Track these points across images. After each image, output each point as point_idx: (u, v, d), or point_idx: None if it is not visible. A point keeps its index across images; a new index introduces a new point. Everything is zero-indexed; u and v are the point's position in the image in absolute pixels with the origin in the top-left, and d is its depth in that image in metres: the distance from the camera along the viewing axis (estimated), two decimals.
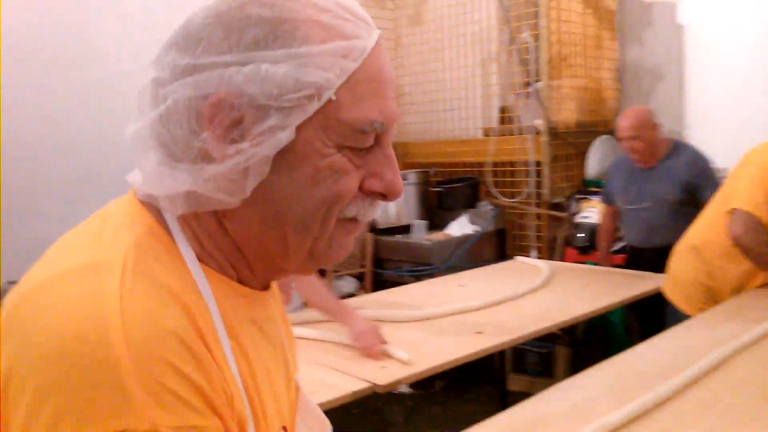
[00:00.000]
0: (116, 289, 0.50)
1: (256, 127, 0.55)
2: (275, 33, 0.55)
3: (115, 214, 0.59)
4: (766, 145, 2.27)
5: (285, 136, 0.55)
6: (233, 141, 0.55)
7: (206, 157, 0.56)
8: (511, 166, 4.08)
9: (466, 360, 1.96)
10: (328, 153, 0.56)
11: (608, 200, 3.31)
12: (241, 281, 0.62)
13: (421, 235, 3.95)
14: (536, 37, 3.84)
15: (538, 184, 3.95)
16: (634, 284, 2.74)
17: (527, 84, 3.92)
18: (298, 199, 0.57)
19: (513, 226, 4.13)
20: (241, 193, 0.56)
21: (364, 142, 0.58)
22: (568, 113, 4.04)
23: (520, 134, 3.96)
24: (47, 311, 0.49)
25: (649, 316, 2.93)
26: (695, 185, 2.91)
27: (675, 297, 2.49)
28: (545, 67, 3.84)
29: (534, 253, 3.92)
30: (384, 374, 1.78)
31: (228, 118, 0.55)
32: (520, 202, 4.03)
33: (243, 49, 0.55)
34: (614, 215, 3.33)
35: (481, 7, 4.16)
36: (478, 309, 2.38)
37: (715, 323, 1.97)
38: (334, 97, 0.55)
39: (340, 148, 0.57)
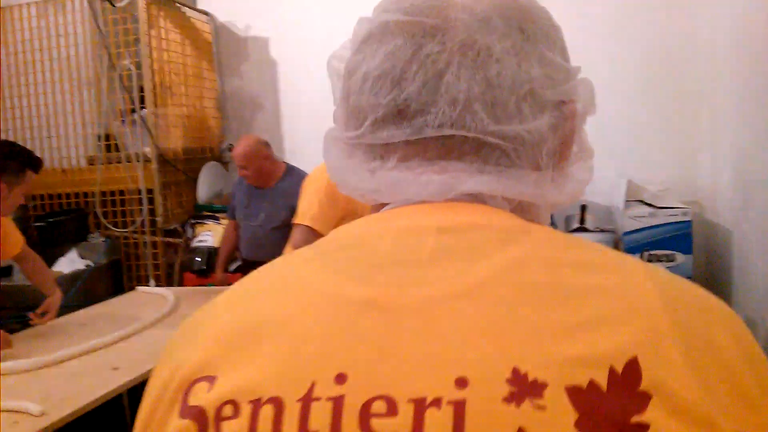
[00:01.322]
0: None
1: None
2: None
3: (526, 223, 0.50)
4: (316, 169, 2.59)
5: None
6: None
7: (560, 167, 0.54)
8: (122, 195, 3.95)
9: (107, 398, 1.87)
10: None
11: (232, 215, 3.55)
12: None
13: (23, 276, 3.55)
14: (138, 65, 3.80)
15: (151, 212, 3.91)
16: None
17: (132, 111, 3.85)
18: None
19: (128, 256, 4.00)
20: None
21: None
22: (175, 140, 4.08)
23: (129, 162, 3.87)
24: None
25: None
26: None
27: None
28: (149, 95, 3.82)
29: (152, 282, 3.86)
30: (17, 430, 1.60)
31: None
32: (133, 232, 3.93)
33: (567, 57, 0.55)
34: (236, 229, 3.52)
35: (76, 30, 3.94)
36: (108, 345, 2.28)
37: None
38: None
39: None
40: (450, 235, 0.47)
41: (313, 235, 2.38)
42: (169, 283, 3.87)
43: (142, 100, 3.82)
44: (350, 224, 0.52)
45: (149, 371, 1.82)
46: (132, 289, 3.49)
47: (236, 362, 0.44)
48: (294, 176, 3.31)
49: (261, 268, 0.52)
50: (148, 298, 3.10)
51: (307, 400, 0.41)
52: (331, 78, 0.58)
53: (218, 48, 4.54)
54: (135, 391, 2.36)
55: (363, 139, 0.52)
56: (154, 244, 3.95)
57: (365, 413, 0.40)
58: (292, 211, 3.22)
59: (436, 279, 0.44)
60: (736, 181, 3.16)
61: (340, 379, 0.41)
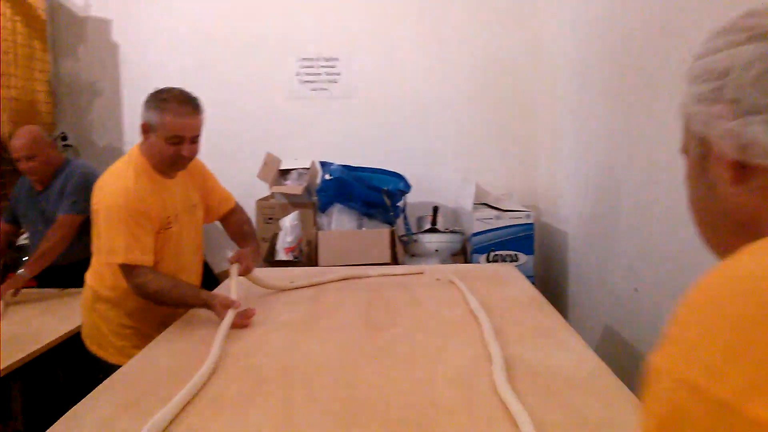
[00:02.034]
0: None
1: None
2: None
3: None
4: (103, 194, 2.09)
5: None
6: None
7: None
8: None
9: None
10: None
11: (12, 219, 3.17)
12: None
13: None
14: None
15: None
16: None
17: None
18: None
19: None
20: None
21: None
22: (1, 126, 3.70)
23: None
24: None
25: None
26: (63, 200, 2.97)
27: (101, 351, 2.28)
28: None
29: None
30: None
31: None
32: None
33: None
34: (7, 234, 3.20)
35: None
36: None
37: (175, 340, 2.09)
38: None
39: None
40: None
41: (130, 268, 2.04)
42: None
43: None
44: None
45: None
46: None
47: None
48: (69, 169, 3.05)
49: None
50: None
51: None
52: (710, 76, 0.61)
53: (54, 28, 4.18)
54: None
55: None
56: None
57: None
58: (71, 203, 2.97)
59: None
60: (571, 186, 3.42)
61: None
